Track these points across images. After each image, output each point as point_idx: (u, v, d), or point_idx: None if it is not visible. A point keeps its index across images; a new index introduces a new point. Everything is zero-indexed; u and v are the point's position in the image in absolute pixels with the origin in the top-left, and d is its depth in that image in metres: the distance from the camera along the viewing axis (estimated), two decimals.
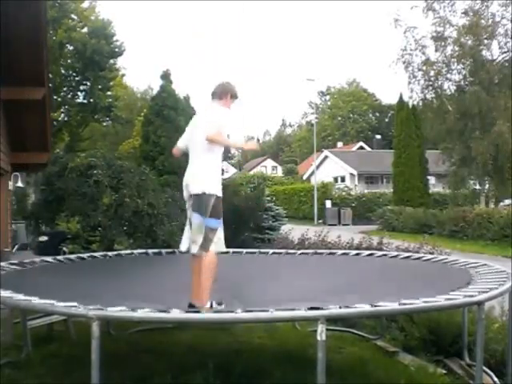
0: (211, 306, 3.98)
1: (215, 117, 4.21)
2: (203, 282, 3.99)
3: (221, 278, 4.16)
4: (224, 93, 4.37)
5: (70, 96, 26.19)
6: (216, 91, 4.38)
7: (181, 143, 4.48)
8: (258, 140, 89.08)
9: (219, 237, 4.13)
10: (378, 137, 52.43)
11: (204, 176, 4.15)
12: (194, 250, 4.12)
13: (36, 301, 3.18)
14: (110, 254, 6.09)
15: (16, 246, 12.20)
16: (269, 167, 63.25)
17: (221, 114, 4.25)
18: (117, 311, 2.91)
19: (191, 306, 3.97)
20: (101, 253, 6.21)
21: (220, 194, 4.21)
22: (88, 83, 25.49)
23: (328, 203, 31.46)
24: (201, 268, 4.03)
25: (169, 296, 3.91)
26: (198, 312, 3.81)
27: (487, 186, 23.22)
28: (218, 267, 4.04)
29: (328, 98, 69.69)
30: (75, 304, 3.02)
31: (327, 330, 2.82)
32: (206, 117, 4.30)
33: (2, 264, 4.93)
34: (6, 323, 4.61)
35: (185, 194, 4.29)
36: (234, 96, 4.42)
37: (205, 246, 4.03)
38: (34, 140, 11.54)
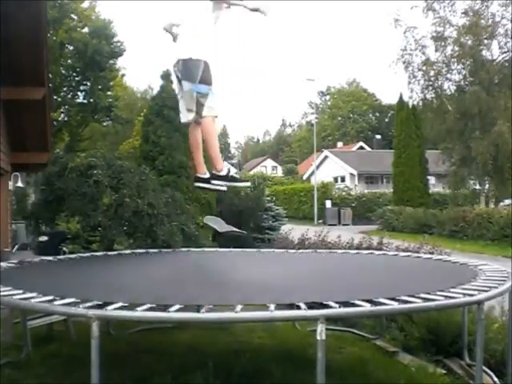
0: (228, 171, 4.14)
1: None
2: (211, 150, 4.04)
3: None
4: None
5: (70, 96, 26.19)
6: None
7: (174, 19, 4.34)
8: (258, 140, 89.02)
9: (210, 103, 4.04)
10: (378, 137, 52.44)
11: (192, 40, 4.05)
12: (190, 116, 4.09)
13: (36, 301, 3.18)
14: (109, 253, 6.11)
15: (16, 246, 12.20)
16: (269, 167, 63.28)
17: None
18: (116, 311, 2.91)
19: (213, 176, 4.13)
20: (101, 253, 6.23)
21: (208, 59, 4.09)
22: (88, 83, 25.50)
23: (328, 203, 31.47)
24: (204, 137, 4.07)
25: (168, 294, 3.91)
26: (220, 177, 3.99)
27: (487, 186, 23.22)
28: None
29: (328, 97, 69.72)
30: (75, 304, 3.02)
31: (327, 329, 2.82)
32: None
33: (2, 264, 4.93)
34: (5, 323, 4.60)
35: (173, 63, 4.18)
36: None
37: (198, 111, 4.00)
38: (34, 140, 11.54)
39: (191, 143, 4.24)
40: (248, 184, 4.19)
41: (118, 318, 3.23)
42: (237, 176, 4.22)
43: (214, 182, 4.19)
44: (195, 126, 4.17)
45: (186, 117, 4.17)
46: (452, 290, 3.38)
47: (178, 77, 4.17)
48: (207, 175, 4.20)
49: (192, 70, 3.99)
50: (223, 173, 4.14)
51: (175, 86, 4.31)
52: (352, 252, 6.52)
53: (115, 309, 2.92)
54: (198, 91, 3.98)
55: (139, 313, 2.89)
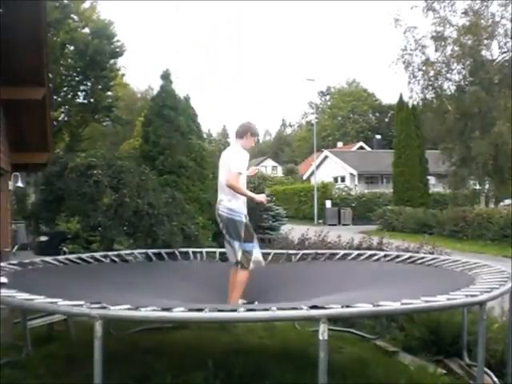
0: None
1: (234, 159, 4.90)
2: (234, 295, 4.73)
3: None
4: (244, 132, 5.08)
5: (70, 96, 26.19)
6: (238, 131, 5.12)
7: None
8: (258, 140, 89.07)
9: (256, 256, 4.91)
10: (378, 137, 52.40)
11: (231, 206, 4.88)
12: (239, 266, 4.92)
13: (37, 300, 3.18)
14: (110, 253, 6.09)
15: (16, 246, 12.19)
16: (269, 167, 63.24)
17: (239, 157, 4.93)
18: (120, 310, 2.91)
19: None
20: (101, 253, 6.21)
21: (247, 220, 4.98)
22: (88, 83, 25.50)
23: (328, 203, 31.47)
24: (236, 282, 4.82)
25: (169, 294, 3.91)
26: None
27: (487, 186, 23.21)
28: None
29: (328, 97, 69.70)
30: (77, 303, 3.01)
31: (327, 329, 2.82)
32: (227, 157, 5.02)
33: (2, 264, 4.92)
34: (6, 323, 4.60)
35: (219, 222, 5.05)
36: (253, 134, 5.13)
37: (244, 265, 4.85)
38: (34, 140, 11.52)
39: (230, 280, 4.98)
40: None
41: (121, 318, 3.22)
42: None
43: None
44: (235, 270, 4.95)
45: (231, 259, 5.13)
46: (453, 290, 3.38)
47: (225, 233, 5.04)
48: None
49: (236, 230, 4.92)
50: None
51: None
52: (353, 253, 6.48)
53: (118, 308, 2.92)
54: (243, 249, 4.89)
55: (142, 312, 2.89)
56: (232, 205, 4.89)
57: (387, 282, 4.28)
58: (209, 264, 6.10)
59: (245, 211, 4.98)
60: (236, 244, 4.93)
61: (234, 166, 4.85)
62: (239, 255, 4.89)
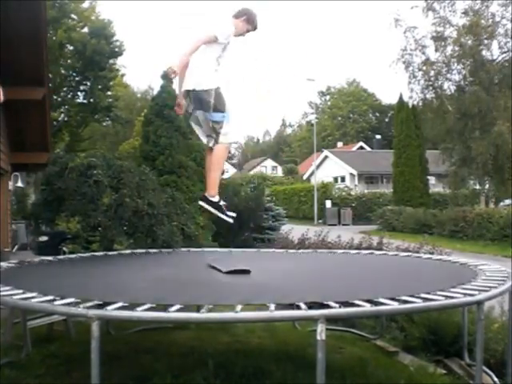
0: (219, 201, 4.28)
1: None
2: (211, 174, 4.25)
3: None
4: (240, 14, 4.42)
5: (70, 96, 26.19)
6: (237, 10, 4.46)
7: None
8: (258, 140, 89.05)
9: (225, 130, 4.20)
10: (378, 137, 52.37)
11: (198, 72, 4.14)
12: (211, 142, 4.29)
13: (36, 301, 3.18)
14: (110, 253, 6.10)
15: (16, 246, 12.21)
16: (269, 167, 63.25)
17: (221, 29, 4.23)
18: (116, 311, 2.90)
19: (204, 198, 4.30)
20: (101, 253, 6.22)
21: (218, 85, 4.19)
22: (88, 83, 25.49)
23: (328, 203, 31.47)
24: (211, 160, 4.26)
25: (168, 294, 3.90)
26: (208, 202, 4.19)
27: (487, 186, 23.21)
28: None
29: (328, 97, 69.65)
30: (75, 304, 3.02)
31: (327, 329, 2.81)
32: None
33: (2, 264, 4.92)
34: (6, 323, 4.60)
35: (185, 99, 4.29)
36: (249, 21, 4.41)
37: (215, 139, 4.20)
38: (34, 140, 11.54)
39: (207, 166, 4.41)
40: (230, 220, 4.42)
41: (118, 318, 3.23)
42: (224, 208, 4.33)
43: (201, 203, 4.36)
44: (211, 151, 4.34)
45: (208, 143, 4.36)
46: (452, 289, 3.38)
47: (190, 107, 4.29)
48: (216, 199, 4.32)
49: (204, 100, 4.11)
50: (215, 199, 4.30)
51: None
52: (352, 252, 6.51)
53: (115, 309, 2.92)
54: (212, 119, 4.15)
55: (139, 313, 2.88)
56: (200, 72, 4.13)
57: (383, 279, 4.28)
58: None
59: (216, 79, 4.18)
60: (203, 115, 4.18)
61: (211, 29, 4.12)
62: (207, 128, 4.19)
